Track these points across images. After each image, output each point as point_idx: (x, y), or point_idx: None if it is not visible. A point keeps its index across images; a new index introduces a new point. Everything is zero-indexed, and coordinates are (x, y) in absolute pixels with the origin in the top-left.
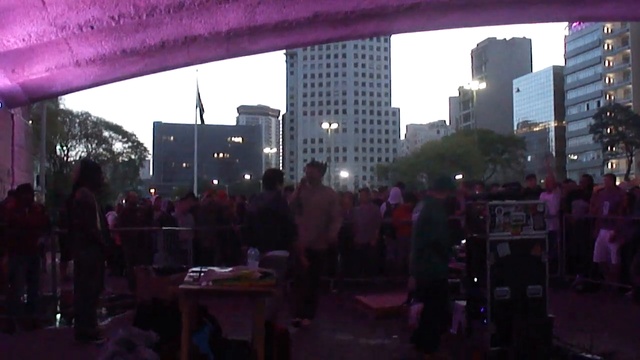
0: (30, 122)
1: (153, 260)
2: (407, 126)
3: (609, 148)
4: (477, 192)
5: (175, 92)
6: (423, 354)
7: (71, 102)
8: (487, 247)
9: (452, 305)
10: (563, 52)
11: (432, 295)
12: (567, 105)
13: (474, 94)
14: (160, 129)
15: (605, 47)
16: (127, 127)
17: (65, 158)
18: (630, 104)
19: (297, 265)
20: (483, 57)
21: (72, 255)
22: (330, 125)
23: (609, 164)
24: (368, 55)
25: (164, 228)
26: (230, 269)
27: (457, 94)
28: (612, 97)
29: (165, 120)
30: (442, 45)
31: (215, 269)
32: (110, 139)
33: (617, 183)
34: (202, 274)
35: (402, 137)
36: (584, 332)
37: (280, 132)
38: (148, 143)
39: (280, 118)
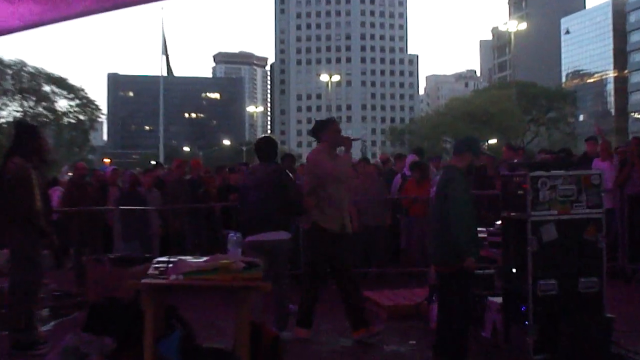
0: None
1: (110, 249)
2: (427, 78)
3: None
4: (515, 161)
5: (137, 40)
6: None
7: (1, 49)
8: (528, 230)
9: (484, 303)
10: None
11: (455, 287)
12: (629, 50)
13: (512, 36)
14: (116, 83)
15: None
16: (74, 80)
17: None
18: None
19: (311, 249)
20: None
21: (5, 243)
22: (330, 77)
23: None
24: None
25: (122, 207)
26: (205, 258)
27: (490, 37)
28: None
29: (123, 72)
30: None
31: (188, 258)
32: (52, 95)
33: None
34: (170, 265)
35: (422, 91)
36: None
37: (268, 86)
38: (101, 100)
39: (268, 68)
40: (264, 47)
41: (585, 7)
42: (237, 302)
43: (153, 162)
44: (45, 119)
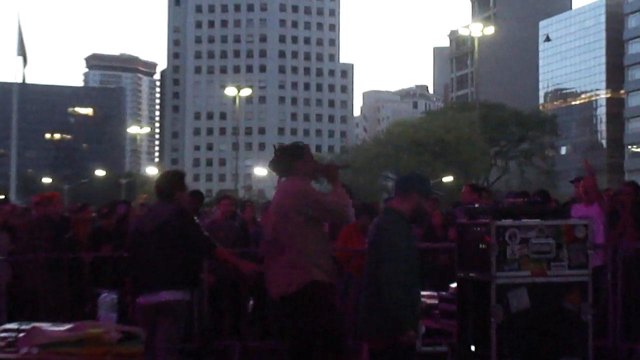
0: None
1: None
2: (364, 95)
3: None
4: (476, 205)
5: None
6: None
7: None
8: (493, 296)
9: None
10: None
11: None
12: (627, 64)
13: (475, 43)
14: None
15: None
16: None
17: None
18: None
19: (321, 316)
20: None
21: None
22: (239, 91)
23: None
24: None
25: None
26: (69, 325)
27: (447, 44)
28: None
29: None
30: None
31: (45, 325)
32: None
33: None
34: (21, 335)
35: (357, 112)
36: None
37: (157, 101)
38: None
39: (157, 77)
40: (153, 49)
41: (571, 8)
42: None
43: (1, 197)
44: None
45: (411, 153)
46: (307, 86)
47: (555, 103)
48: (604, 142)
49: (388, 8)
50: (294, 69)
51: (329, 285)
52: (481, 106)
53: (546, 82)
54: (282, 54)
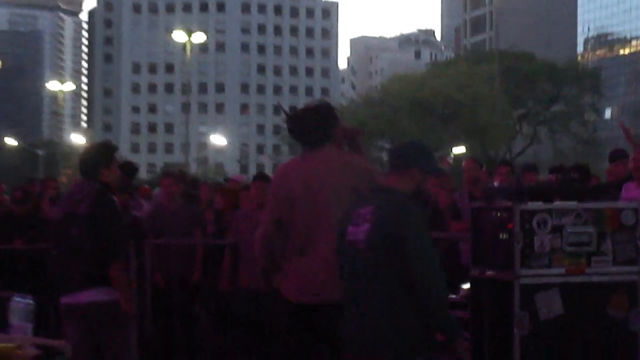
0: None
1: None
2: (352, 42)
3: None
4: (495, 184)
5: None
6: None
7: None
8: (516, 300)
9: None
10: None
11: None
12: None
13: None
14: None
15: None
16: None
17: None
18: None
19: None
20: None
21: None
22: (190, 36)
23: None
24: None
25: None
26: None
27: None
28: None
29: None
30: None
31: None
32: None
33: None
34: None
35: (343, 63)
36: None
37: (84, 48)
38: None
39: (84, 17)
40: None
41: None
42: None
43: None
44: None
45: (412, 116)
46: (278, 30)
47: (597, 53)
48: None
49: None
50: (261, 8)
51: None
52: (502, 56)
53: (586, 26)
54: None
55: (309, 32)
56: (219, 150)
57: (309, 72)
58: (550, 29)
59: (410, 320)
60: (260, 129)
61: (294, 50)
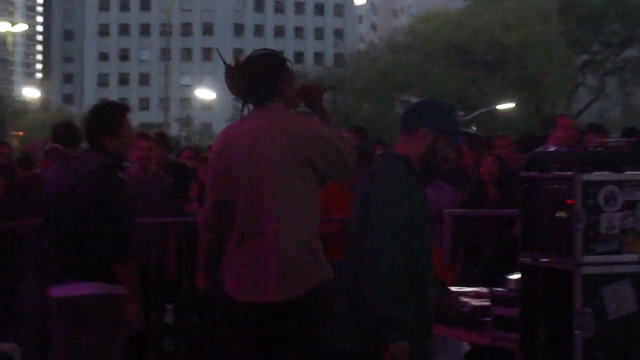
0: None
1: None
2: None
3: None
4: (551, 148)
5: None
6: None
7: None
8: (578, 294)
9: None
10: None
11: None
12: None
13: None
14: None
15: None
16: None
17: None
18: None
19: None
20: None
21: None
22: None
23: None
24: None
25: None
26: None
27: None
28: None
29: None
30: None
31: None
32: None
33: None
34: None
35: None
36: None
37: None
38: None
39: None
40: None
41: None
42: None
43: None
44: None
45: (448, 65)
46: None
47: None
48: None
49: None
50: None
51: (332, 283)
52: None
53: None
54: None
55: None
56: (206, 107)
57: (319, 9)
58: None
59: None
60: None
61: None
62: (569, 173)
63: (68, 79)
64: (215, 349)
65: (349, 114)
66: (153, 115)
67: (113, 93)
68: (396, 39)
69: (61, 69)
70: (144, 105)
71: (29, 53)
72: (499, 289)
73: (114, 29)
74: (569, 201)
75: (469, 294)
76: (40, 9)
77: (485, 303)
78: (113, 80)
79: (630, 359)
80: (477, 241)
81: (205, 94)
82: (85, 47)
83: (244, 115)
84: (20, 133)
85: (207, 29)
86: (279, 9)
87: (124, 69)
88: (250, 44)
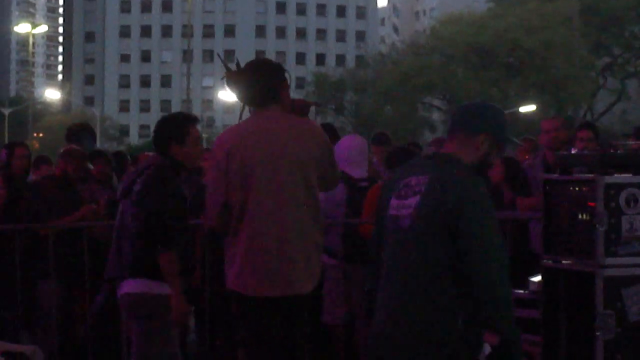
0: None
1: None
2: None
3: None
4: (573, 151)
5: None
6: None
7: None
8: (599, 296)
9: None
10: None
11: None
12: None
13: None
14: None
15: None
16: None
17: None
18: None
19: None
20: None
21: None
22: None
23: None
24: None
25: None
26: None
27: None
28: None
29: None
30: None
31: None
32: None
33: None
34: None
35: (383, 0)
36: None
37: None
38: None
39: None
40: None
41: None
42: None
43: None
44: None
45: (470, 67)
46: None
47: None
48: None
49: None
50: None
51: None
52: None
53: None
54: None
55: None
56: (228, 109)
57: (341, 11)
58: None
59: (457, 319)
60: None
61: None
62: (591, 175)
63: (89, 80)
64: (229, 345)
65: (371, 116)
66: None
67: (134, 95)
68: (418, 41)
69: (82, 71)
70: (166, 107)
71: (50, 54)
72: (519, 290)
73: (135, 31)
74: (590, 203)
75: None
76: (61, 10)
77: None
78: (134, 81)
79: None
80: None
81: (227, 95)
82: (107, 49)
83: (247, 117)
84: (41, 134)
85: (229, 31)
86: (301, 10)
87: (145, 71)
88: (272, 46)
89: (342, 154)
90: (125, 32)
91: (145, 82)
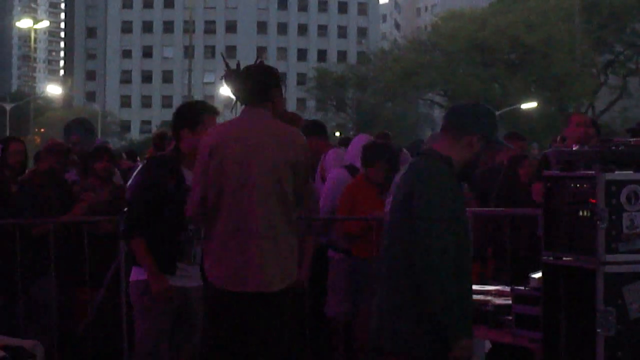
0: None
1: None
2: None
3: None
4: (574, 147)
5: None
6: None
7: None
8: (600, 293)
9: None
10: None
11: None
12: None
13: None
14: None
15: None
16: None
17: None
18: None
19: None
20: None
21: None
22: None
23: None
24: None
25: None
26: None
27: None
28: None
29: None
30: None
31: None
32: None
33: None
34: None
35: None
36: None
37: None
38: None
39: None
40: None
41: None
42: None
43: None
44: None
45: (471, 64)
46: None
47: None
48: None
49: None
50: None
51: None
52: None
53: None
54: None
55: None
56: (229, 105)
57: (342, 7)
58: None
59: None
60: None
61: None
62: (592, 172)
63: (91, 76)
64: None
65: (372, 112)
66: None
67: (136, 90)
68: (420, 38)
69: (84, 66)
70: (167, 102)
71: (52, 50)
72: (520, 287)
73: (137, 26)
74: (591, 200)
75: (491, 292)
76: (63, 5)
77: (507, 301)
78: (136, 77)
79: None
80: (502, 240)
81: (228, 91)
82: (108, 45)
83: (236, 116)
84: (42, 130)
85: (231, 27)
86: (303, 7)
87: (147, 67)
88: (274, 42)
89: (355, 150)
90: (127, 28)
91: (146, 77)
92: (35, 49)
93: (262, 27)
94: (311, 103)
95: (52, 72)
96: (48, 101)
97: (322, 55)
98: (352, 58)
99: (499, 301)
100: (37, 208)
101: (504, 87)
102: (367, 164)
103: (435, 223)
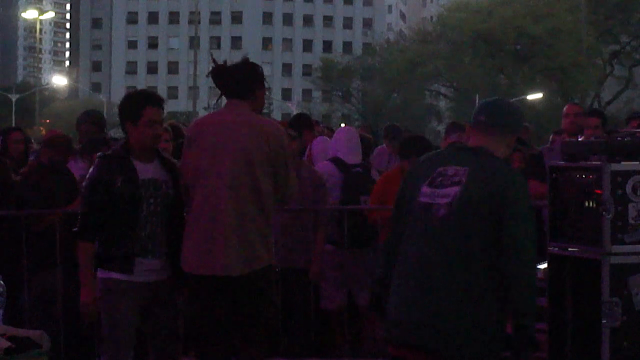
0: None
1: None
2: None
3: None
4: (580, 139)
5: None
6: None
7: None
8: (605, 284)
9: None
10: None
11: None
12: None
13: None
14: None
15: None
16: None
17: None
18: None
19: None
20: None
21: None
22: None
23: None
24: None
25: None
26: None
27: None
28: None
29: None
30: None
31: None
32: None
33: None
34: None
35: None
36: None
37: None
38: None
39: None
40: None
41: None
42: None
43: None
44: None
45: (477, 54)
46: None
47: None
48: None
49: None
50: None
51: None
52: None
53: None
54: None
55: None
56: None
57: None
58: None
59: (492, 311)
60: (287, 69)
61: None
62: (598, 163)
63: (96, 67)
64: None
65: (378, 103)
66: (182, 104)
67: (141, 81)
68: (425, 29)
69: (89, 57)
70: (173, 93)
71: (57, 41)
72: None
73: (142, 17)
74: (597, 191)
75: None
76: None
77: None
78: (141, 68)
79: None
80: None
81: None
82: (114, 35)
83: (218, 109)
84: (48, 121)
85: (236, 18)
86: None
87: (152, 57)
88: (279, 33)
89: (338, 142)
90: (132, 19)
91: (152, 68)
92: (40, 40)
93: (267, 17)
94: (317, 94)
95: (58, 63)
96: (53, 92)
97: (327, 46)
98: (357, 49)
99: None
100: (41, 200)
101: (510, 78)
102: (403, 156)
103: (530, 224)
